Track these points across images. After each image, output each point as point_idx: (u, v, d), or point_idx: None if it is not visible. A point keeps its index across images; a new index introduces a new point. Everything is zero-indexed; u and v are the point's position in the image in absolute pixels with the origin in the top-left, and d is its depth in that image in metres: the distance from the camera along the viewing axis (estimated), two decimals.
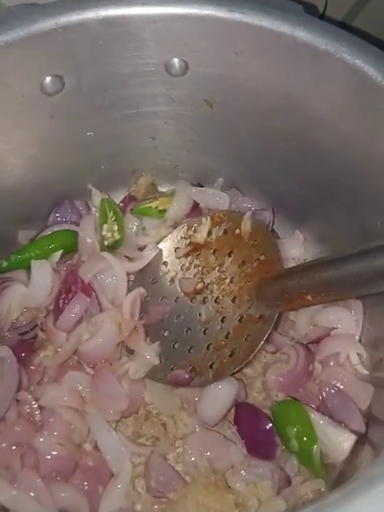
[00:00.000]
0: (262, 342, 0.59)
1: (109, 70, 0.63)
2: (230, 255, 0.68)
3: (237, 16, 0.57)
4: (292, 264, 0.74)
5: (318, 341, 0.68)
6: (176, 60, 0.62)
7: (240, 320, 0.63)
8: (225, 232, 0.69)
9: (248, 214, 0.68)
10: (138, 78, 0.64)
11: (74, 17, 0.56)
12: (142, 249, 0.74)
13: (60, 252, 0.70)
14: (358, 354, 0.66)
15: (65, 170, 0.73)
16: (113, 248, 0.72)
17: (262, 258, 0.64)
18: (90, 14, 0.57)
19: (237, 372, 0.62)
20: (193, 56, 0.62)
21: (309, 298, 0.54)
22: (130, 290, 0.70)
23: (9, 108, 0.60)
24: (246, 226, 0.67)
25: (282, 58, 0.58)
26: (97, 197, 0.75)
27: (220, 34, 0.58)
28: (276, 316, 0.60)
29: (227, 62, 0.61)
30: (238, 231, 0.68)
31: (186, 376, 0.63)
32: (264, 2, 0.57)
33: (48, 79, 0.60)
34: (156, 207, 0.77)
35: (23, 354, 0.64)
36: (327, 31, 0.55)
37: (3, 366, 0.61)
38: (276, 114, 0.64)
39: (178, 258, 0.72)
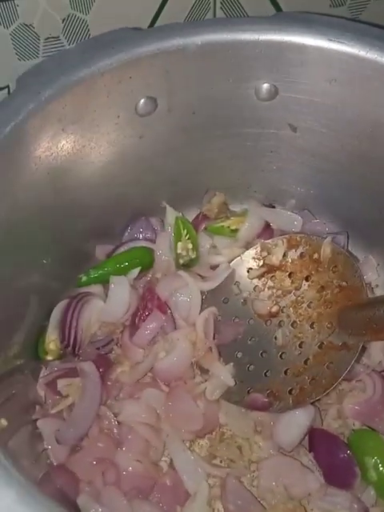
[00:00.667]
0: (347, 372, 0.59)
1: (200, 93, 0.64)
2: (307, 279, 0.68)
3: (336, 46, 0.57)
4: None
5: None
6: (266, 85, 0.63)
7: (320, 347, 0.63)
8: (301, 255, 0.69)
9: (328, 238, 0.67)
10: (226, 101, 0.65)
11: (175, 42, 0.57)
12: (214, 268, 0.75)
13: (138, 269, 0.71)
14: None
15: (142, 186, 0.74)
16: (188, 266, 0.73)
17: (344, 284, 0.64)
18: (190, 40, 0.58)
19: (318, 400, 0.62)
20: (284, 82, 0.62)
21: None
22: (201, 309, 0.70)
23: (105, 128, 0.61)
24: (326, 251, 0.67)
25: (377, 88, 0.58)
26: (171, 215, 0.76)
27: (316, 63, 0.59)
28: (361, 345, 0.60)
29: (319, 89, 0.62)
30: (316, 256, 0.68)
31: (265, 400, 0.63)
32: (364, 33, 0.57)
33: (142, 101, 0.61)
34: (228, 226, 0.77)
35: (101, 370, 0.65)
36: None
37: (86, 381, 0.61)
38: (362, 141, 0.65)
39: (251, 278, 0.72)
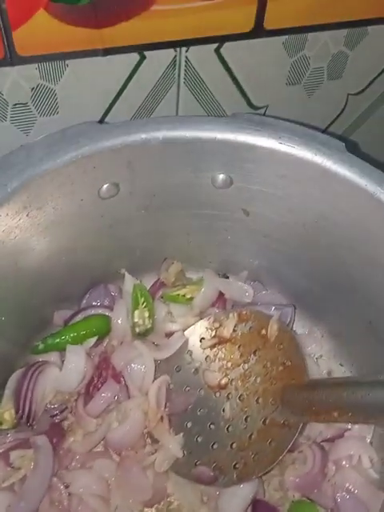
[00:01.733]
0: (286, 451, 0.63)
1: (160, 180, 0.68)
2: (254, 354, 0.72)
3: (285, 148, 0.62)
4: (309, 360, 0.78)
5: (332, 440, 0.72)
6: (222, 176, 0.67)
7: (264, 422, 0.67)
8: (250, 330, 0.73)
9: (275, 316, 0.72)
10: (185, 187, 0.69)
11: (138, 137, 0.61)
12: (168, 335, 0.78)
13: (95, 338, 0.73)
14: (369, 457, 0.70)
15: (101, 255, 0.77)
16: (143, 335, 0.76)
17: (288, 363, 0.68)
18: (153, 135, 0.61)
19: (261, 476, 0.66)
20: (238, 174, 0.67)
21: (335, 415, 0.58)
22: (155, 376, 0.73)
23: (68, 210, 0.64)
24: (273, 328, 0.71)
25: (322, 188, 0.63)
26: (129, 282, 0.79)
27: (267, 161, 0.64)
28: (301, 425, 0.64)
29: (269, 182, 0.67)
30: (263, 331, 0.72)
31: (211, 474, 0.66)
32: (312, 138, 0.63)
33: (105, 186, 0.65)
34: (184, 295, 0.81)
35: (55, 440, 0.67)
36: (367, 171, 0.61)
37: (39, 454, 0.63)
38: (308, 229, 0.70)
39: (203, 348, 0.75)
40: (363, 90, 1.06)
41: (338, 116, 1.07)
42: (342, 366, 0.79)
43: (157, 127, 0.62)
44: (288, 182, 0.65)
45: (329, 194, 0.63)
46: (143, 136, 0.61)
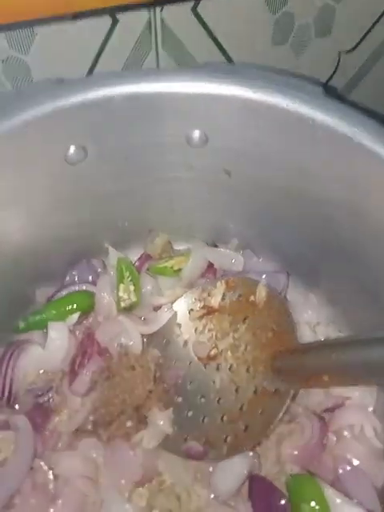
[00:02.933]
0: (277, 419, 0.59)
1: (130, 141, 0.64)
2: (244, 322, 0.68)
3: (259, 96, 0.58)
4: (305, 328, 0.74)
5: (332, 410, 0.68)
6: (197, 132, 0.63)
7: (255, 392, 0.63)
8: (239, 297, 0.69)
9: (263, 281, 0.68)
10: (158, 147, 0.65)
11: (99, 93, 0.57)
12: (156, 309, 0.74)
13: (77, 314, 0.70)
14: (372, 426, 0.65)
15: (82, 228, 0.74)
16: (129, 309, 0.73)
17: (277, 328, 0.65)
18: (114, 91, 0.58)
19: (255, 449, 0.62)
20: (213, 130, 0.63)
21: (325, 379, 0.54)
22: (143, 351, 0.70)
23: (33, 179, 0.61)
24: (261, 293, 0.67)
25: (301, 138, 0.59)
26: (113, 256, 0.76)
27: (242, 112, 0.60)
28: (292, 392, 0.60)
29: (247, 137, 0.62)
30: (252, 298, 0.68)
31: (200, 449, 0.62)
32: (285, 83, 0.58)
33: (72, 149, 0.61)
34: (171, 267, 0.77)
35: (38, 420, 0.64)
36: (346, 115, 0.56)
37: (19, 436, 0.60)
38: (291, 186, 0.65)
39: (192, 320, 0.72)
40: (356, 47, 1.00)
41: (331, 76, 1.02)
42: (340, 333, 0.75)
43: (120, 81, 0.58)
44: (265, 135, 0.61)
45: (309, 145, 0.59)
46: (105, 92, 0.58)
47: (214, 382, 0.67)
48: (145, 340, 0.72)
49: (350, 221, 0.62)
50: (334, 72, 1.03)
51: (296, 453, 0.64)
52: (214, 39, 0.87)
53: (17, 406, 0.65)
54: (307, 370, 0.57)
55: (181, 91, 0.59)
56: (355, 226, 0.62)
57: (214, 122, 0.62)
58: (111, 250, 0.76)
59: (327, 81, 1.03)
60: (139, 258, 0.80)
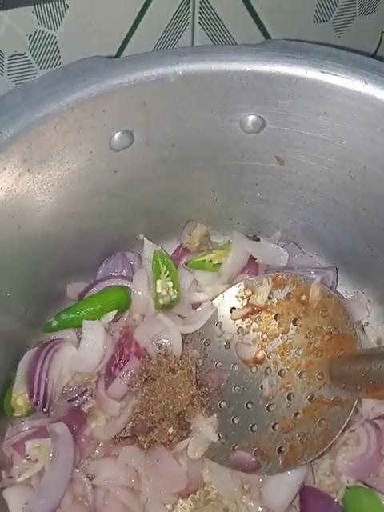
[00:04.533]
0: (340, 431, 0.55)
1: (180, 126, 0.58)
2: (294, 323, 0.63)
3: (328, 78, 0.52)
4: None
5: None
6: (253, 117, 0.58)
7: (310, 400, 0.59)
8: (288, 296, 0.65)
9: (317, 279, 0.63)
10: (209, 133, 0.60)
11: (153, 72, 0.52)
12: (195, 305, 0.70)
13: (114, 313, 0.65)
14: None
15: (116, 219, 0.69)
16: (168, 307, 0.68)
17: (335, 331, 0.60)
18: (170, 70, 0.52)
19: (311, 461, 0.58)
20: (272, 114, 0.57)
21: None
22: (182, 351, 0.65)
23: (76, 164, 0.55)
24: (315, 293, 0.63)
25: (374, 125, 0.54)
26: (149, 249, 0.71)
27: (307, 95, 0.54)
28: (355, 402, 0.55)
29: (308, 122, 0.57)
30: (304, 297, 0.63)
31: (252, 460, 0.58)
32: (359, 65, 0.52)
33: (117, 135, 0.56)
34: (210, 261, 0.72)
35: (75, 427, 0.59)
36: None
37: (58, 444, 0.56)
38: (354, 177, 0.60)
39: (235, 319, 0.67)
40: None
41: (372, 57, 0.96)
42: None
43: (175, 60, 0.52)
44: (332, 121, 0.56)
45: (382, 132, 0.53)
46: (160, 71, 0.52)
47: (262, 388, 0.62)
48: (184, 339, 0.67)
49: None
50: (376, 51, 0.97)
51: (352, 464, 0.60)
52: (254, 15, 0.81)
53: (52, 412, 0.60)
54: (375, 378, 0.52)
55: (240, 69, 0.53)
56: None
57: (273, 105, 0.56)
58: (146, 241, 0.71)
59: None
60: (175, 251, 0.75)
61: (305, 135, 0.58)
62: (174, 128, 0.58)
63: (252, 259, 0.73)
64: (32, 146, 0.50)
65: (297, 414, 0.59)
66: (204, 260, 0.72)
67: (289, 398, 0.60)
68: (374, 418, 0.63)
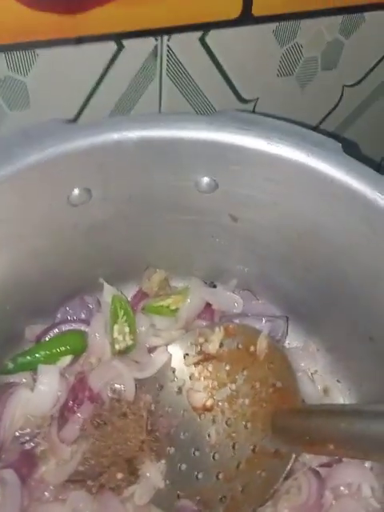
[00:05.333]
0: (279, 483, 0.57)
1: (136, 183, 0.61)
2: (243, 372, 0.66)
3: (274, 149, 0.56)
4: (303, 375, 0.73)
5: (329, 465, 0.66)
6: (206, 179, 0.61)
7: (253, 450, 0.61)
8: (238, 346, 0.67)
9: (264, 332, 0.66)
10: (165, 191, 0.63)
11: (110, 137, 0.55)
12: (151, 350, 0.72)
13: (70, 357, 0.67)
14: (370, 485, 0.64)
15: (77, 264, 0.71)
16: (124, 352, 0.70)
17: (279, 384, 0.63)
18: (127, 136, 0.55)
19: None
20: (224, 177, 0.60)
21: (331, 447, 0.53)
22: (135, 395, 0.67)
23: (33, 218, 0.58)
24: (262, 344, 0.65)
25: (317, 193, 0.57)
26: (108, 292, 0.73)
27: (254, 163, 0.57)
28: (294, 456, 0.58)
29: (257, 185, 0.60)
30: (252, 348, 0.66)
31: (195, 508, 0.60)
32: (304, 138, 0.56)
33: (76, 192, 0.58)
34: (168, 306, 0.75)
35: (25, 470, 0.61)
36: (368, 175, 0.55)
37: (6, 491, 0.57)
38: (301, 237, 0.64)
39: (187, 365, 0.69)
40: (360, 82, 0.99)
41: (333, 109, 1.01)
42: (339, 382, 0.73)
43: (130, 126, 0.55)
44: (278, 187, 0.59)
45: (324, 200, 0.57)
46: (115, 136, 0.55)
47: (209, 436, 0.64)
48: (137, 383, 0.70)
49: (363, 276, 0.60)
50: (337, 105, 1.01)
51: None
52: (221, 69, 0.85)
53: (3, 455, 0.61)
54: (311, 435, 0.55)
55: (193, 138, 0.56)
56: (368, 280, 0.60)
57: (225, 170, 0.59)
58: (106, 286, 0.73)
59: (328, 113, 1.02)
60: (134, 296, 0.77)
61: (255, 197, 0.62)
62: (131, 187, 0.61)
63: (208, 305, 0.76)
64: None
65: (239, 463, 0.61)
66: (162, 305, 0.75)
67: (233, 447, 0.63)
68: (317, 466, 0.66)
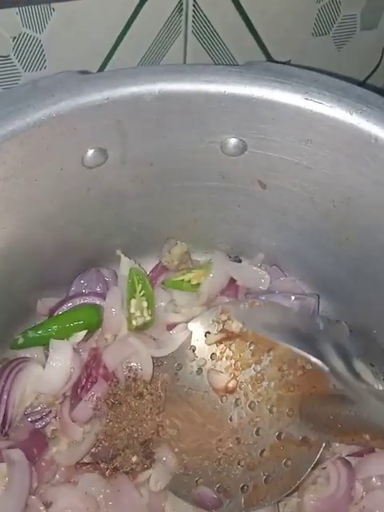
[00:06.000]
0: (305, 474, 0.53)
1: (158, 145, 0.56)
2: (268, 353, 0.61)
3: (313, 106, 0.50)
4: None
5: (360, 454, 0.61)
6: (234, 140, 0.55)
7: (278, 437, 0.56)
8: None
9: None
10: (188, 153, 0.57)
11: (128, 91, 0.49)
12: (170, 327, 0.67)
13: (83, 332, 0.63)
14: None
15: (92, 234, 0.66)
16: (141, 328, 0.65)
17: (308, 367, 0.57)
18: (146, 89, 0.50)
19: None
20: (254, 138, 0.55)
21: (367, 437, 0.48)
22: (153, 375, 0.63)
23: (45, 181, 0.53)
24: None
25: (359, 156, 0.51)
26: (125, 265, 0.69)
27: (290, 122, 0.52)
28: (323, 445, 0.53)
29: (291, 148, 0.55)
30: None
31: (214, 496, 0.56)
32: (347, 93, 0.50)
33: (90, 152, 0.53)
34: (189, 281, 0.70)
35: (35, 450, 0.57)
36: None
37: (13, 470, 0.54)
38: (338, 206, 0.58)
39: (209, 344, 0.65)
40: None
41: (372, 73, 0.93)
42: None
43: (152, 78, 0.50)
44: (316, 148, 0.53)
45: (367, 164, 0.51)
46: (135, 89, 0.49)
47: (230, 419, 0.60)
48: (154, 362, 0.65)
49: None
50: (376, 67, 0.94)
51: (320, 504, 0.57)
52: (250, 26, 0.79)
53: (12, 434, 0.58)
54: (344, 423, 0.50)
55: (221, 91, 0.51)
56: None
57: (255, 129, 0.54)
58: (123, 258, 0.69)
59: (367, 77, 0.95)
60: (153, 269, 0.72)
61: (287, 161, 0.56)
62: (152, 148, 0.56)
63: (232, 281, 0.71)
64: None
65: (263, 451, 0.57)
66: (182, 280, 0.70)
67: (257, 433, 0.58)
68: (347, 455, 0.61)
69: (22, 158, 0.49)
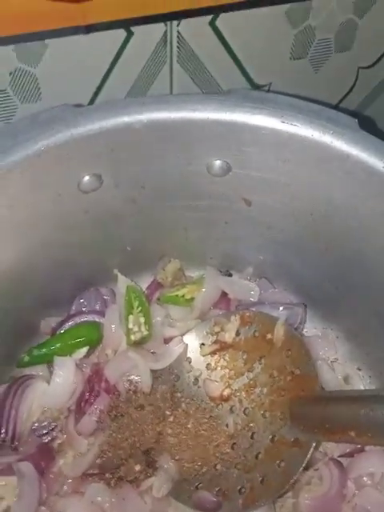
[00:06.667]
0: (298, 473, 0.55)
1: (149, 169, 0.60)
2: (260, 361, 0.64)
3: (288, 127, 0.54)
4: (322, 364, 0.71)
5: (351, 454, 0.64)
6: (218, 162, 0.60)
7: (272, 440, 0.59)
8: (255, 334, 0.66)
9: (281, 319, 0.64)
10: (177, 176, 0.61)
11: (120, 120, 0.53)
12: (167, 340, 0.71)
13: (85, 349, 0.66)
14: None
15: (90, 255, 0.70)
16: (140, 343, 0.69)
17: (297, 372, 0.61)
18: (137, 118, 0.54)
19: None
20: (236, 159, 0.59)
21: (352, 434, 0.51)
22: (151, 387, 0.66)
23: (44, 206, 0.57)
24: (279, 332, 0.64)
25: (332, 172, 0.55)
26: (122, 283, 0.72)
27: (268, 143, 0.56)
28: (313, 445, 0.56)
29: (271, 167, 0.59)
30: (269, 336, 0.64)
31: (214, 499, 0.59)
32: (318, 115, 0.54)
33: (86, 178, 0.57)
34: (183, 296, 0.73)
35: (43, 463, 0.60)
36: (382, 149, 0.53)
37: (23, 482, 0.56)
38: (316, 219, 0.62)
39: (204, 355, 0.68)
40: (375, 63, 0.96)
41: (349, 92, 0.98)
42: (359, 370, 0.71)
43: (140, 109, 0.54)
44: (293, 167, 0.57)
45: (340, 179, 0.55)
46: (125, 119, 0.54)
47: (227, 426, 0.63)
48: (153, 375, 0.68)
49: (379, 257, 0.59)
50: (352, 87, 0.99)
51: (314, 503, 0.60)
52: (232, 53, 0.83)
53: (21, 448, 0.61)
54: (331, 422, 0.53)
55: (204, 118, 0.55)
56: None
57: (237, 151, 0.58)
58: (120, 277, 0.72)
59: (344, 96, 1.00)
60: (149, 286, 0.76)
61: (268, 179, 0.60)
62: (143, 172, 0.60)
63: (224, 294, 0.74)
64: None
65: (258, 454, 0.60)
66: (177, 295, 0.73)
67: (252, 437, 0.61)
68: (339, 456, 0.64)
69: (23, 185, 0.53)
